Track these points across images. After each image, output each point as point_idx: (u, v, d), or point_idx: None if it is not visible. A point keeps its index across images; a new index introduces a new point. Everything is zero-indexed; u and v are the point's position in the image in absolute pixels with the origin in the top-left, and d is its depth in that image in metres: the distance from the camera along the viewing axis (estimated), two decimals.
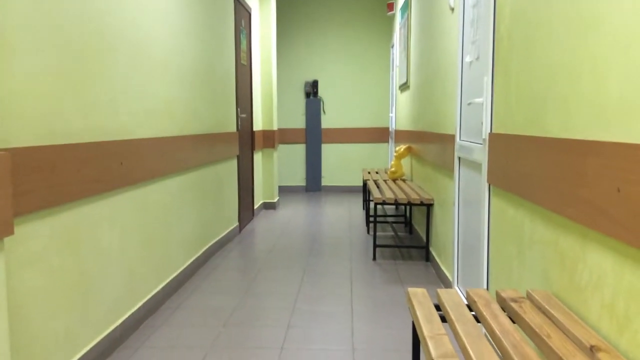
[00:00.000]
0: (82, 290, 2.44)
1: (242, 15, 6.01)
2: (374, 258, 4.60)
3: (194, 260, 4.14)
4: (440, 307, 1.95)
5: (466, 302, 1.97)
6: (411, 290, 2.09)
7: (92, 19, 2.50)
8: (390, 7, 8.05)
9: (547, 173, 1.88)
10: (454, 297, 1.96)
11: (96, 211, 2.57)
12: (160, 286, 3.44)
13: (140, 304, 3.10)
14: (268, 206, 7.40)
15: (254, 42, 6.71)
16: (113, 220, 2.75)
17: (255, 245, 5.16)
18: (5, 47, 1.89)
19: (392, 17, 8.54)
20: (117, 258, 2.80)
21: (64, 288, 2.29)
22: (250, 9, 6.46)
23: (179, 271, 3.80)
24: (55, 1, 2.20)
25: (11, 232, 1.55)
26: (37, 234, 2.09)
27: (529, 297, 1.88)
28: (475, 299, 1.90)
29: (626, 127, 1.38)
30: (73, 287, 2.37)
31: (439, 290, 2.04)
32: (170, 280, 3.60)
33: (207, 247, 4.55)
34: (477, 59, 2.93)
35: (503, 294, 1.92)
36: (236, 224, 5.69)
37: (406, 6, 6.31)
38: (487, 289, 2.73)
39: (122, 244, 2.87)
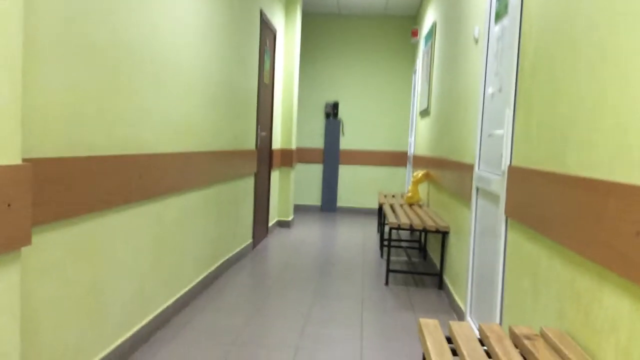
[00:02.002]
0: (94, 302, 2.46)
1: (267, 35, 6.09)
2: (387, 283, 4.57)
3: (206, 276, 4.15)
4: (452, 339, 1.93)
5: (478, 337, 1.94)
6: (423, 320, 2.07)
7: (121, 35, 2.55)
8: (415, 33, 8.09)
9: (566, 210, 1.86)
10: (466, 331, 1.94)
11: (112, 223, 2.59)
12: (171, 301, 3.44)
13: (150, 317, 3.11)
14: (283, 224, 7.40)
15: (277, 62, 6.78)
16: (128, 233, 2.77)
17: (267, 264, 5.15)
18: (35, 60, 1.94)
19: (416, 44, 8.58)
20: (129, 271, 2.82)
21: (76, 299, 2.30)
22: (276, 30, 6.54)
23: (190, 286, 3.80)
24: (89, 20, 2.25)
25: (29, 242, 1.57)
26: (53, 244, 2.11)
27: (543, 335, 1.86)
28: (488, 334, 1.88)
29: None
30: (85, 299, 2.38)
31: (451, 322, 2.02)
32: (181, 296, 3.61)
33: (219, 263, 4.56)
34: (500, 91, 2.93)
35: (516, 330, 1.90)
36: (250, 240, 5.70)
37: (430, 34, 6.34)
38: (500, 323, 2.69)
39: (136, 257, 2.88)
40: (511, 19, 2.75)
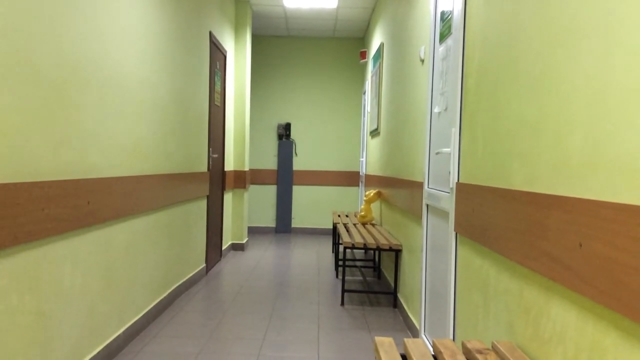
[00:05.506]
0: (41, 332, 2.36)
1: (218, 57, 6.08)
2: (342, 303, 4.57)
3: (158, 302, 4.06)
4: (407, 357, 1.94)
5: (432, 353, 1.96)
6: (378, 339, 2.07)
7: (66, 55, 2.50)
8: (363, 55, 8.22)
9: (512, 225, 1.91)
10: (420, 348, 1.96)
11: (59, 250, 2.51)
12: (122, 329, 3.35)
13: (100, 347, 3.01)
14: (237, 247, 7.33)
15: (228, 84, 6.77)
16: (76, 260, 2.69)
17: (221, 288, 5.08)
18: None
19: (365, 65, 8.72)
20: (78, 299, 2.73)
21: (22, 329, 2.21)
22: (226, 51, 6.53)
23: (142, 313, 3.71)
24: (29, 37, 2.19)
25: None
26: None
27: (494, 348, 1.89)
28: (442, 350, 1.90)
29: (588, 184, 1.42)
30: (32, 328, 2.29)
31: (405, 340, 2.03)
32: (133, 323, 3.51)
33: (172, 288, 4.47)
34: (446, 110, 3.00)
35: (468, 345, 1.92)
36: (203, 265, 5.61)
37: (378, 55, 6.46)
38: (454, 338, 2.73)
39: (85, 284, 2.80)
40: (455, 39, 2.83)
